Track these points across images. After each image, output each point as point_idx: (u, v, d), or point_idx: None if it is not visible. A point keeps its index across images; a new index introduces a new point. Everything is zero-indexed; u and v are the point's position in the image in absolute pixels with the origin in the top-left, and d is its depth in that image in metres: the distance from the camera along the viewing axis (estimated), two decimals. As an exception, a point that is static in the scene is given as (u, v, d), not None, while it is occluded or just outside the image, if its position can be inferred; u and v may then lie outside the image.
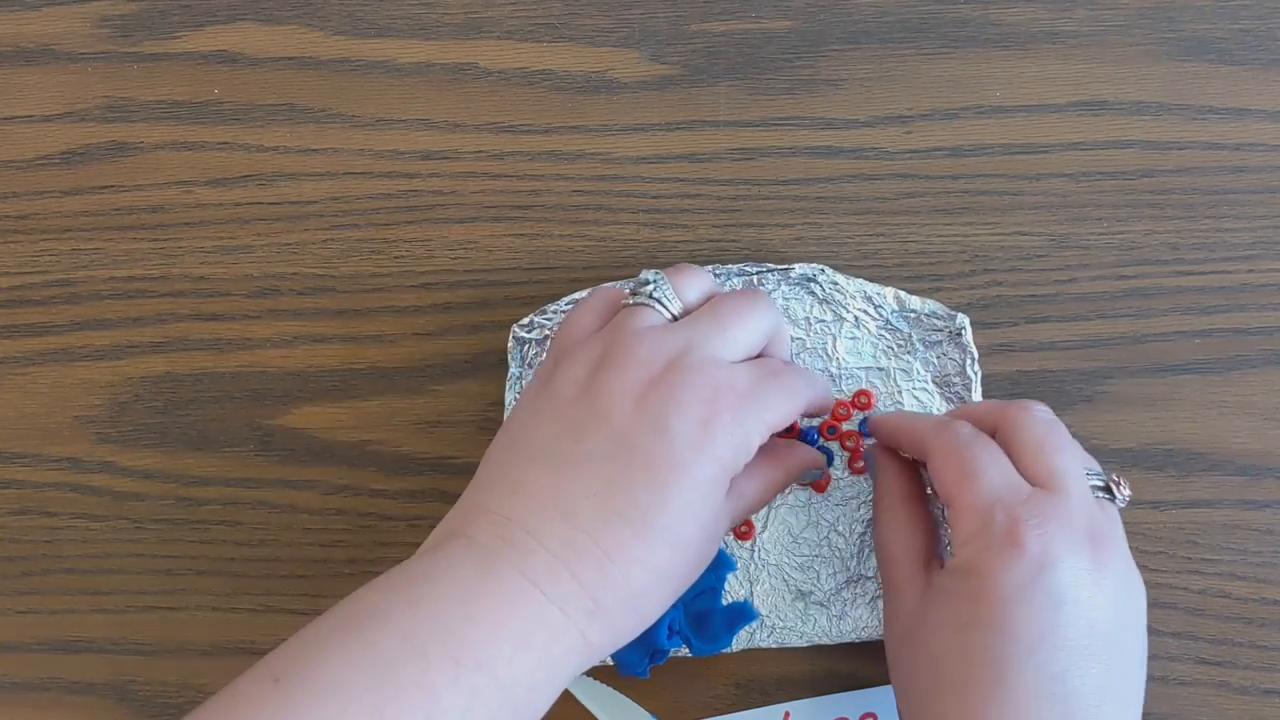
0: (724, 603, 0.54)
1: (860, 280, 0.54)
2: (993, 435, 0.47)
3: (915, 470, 0.51)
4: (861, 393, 0.54)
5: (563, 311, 0.54)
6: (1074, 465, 0.45)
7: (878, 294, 0.54)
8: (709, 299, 0.49)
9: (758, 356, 0.48)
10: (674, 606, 0.52)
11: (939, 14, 0.57)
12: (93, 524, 0.57)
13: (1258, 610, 0.55)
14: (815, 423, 0.54)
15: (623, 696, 0.55)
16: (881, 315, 0.54)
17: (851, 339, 0.54)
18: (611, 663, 0.53)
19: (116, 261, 0.57)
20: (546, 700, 0.42)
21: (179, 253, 0.57)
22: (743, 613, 0.54)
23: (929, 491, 0.51)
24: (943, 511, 0.51)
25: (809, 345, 0.54)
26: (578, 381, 0.45)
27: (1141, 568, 0.54)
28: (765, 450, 0.48)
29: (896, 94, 0.56)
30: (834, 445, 0.54)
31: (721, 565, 0.54)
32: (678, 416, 0.43)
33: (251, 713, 0.39)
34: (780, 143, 0.56)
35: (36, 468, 0.57)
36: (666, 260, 0.56)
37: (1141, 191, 0.56)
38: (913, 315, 0.54)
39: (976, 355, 0.54)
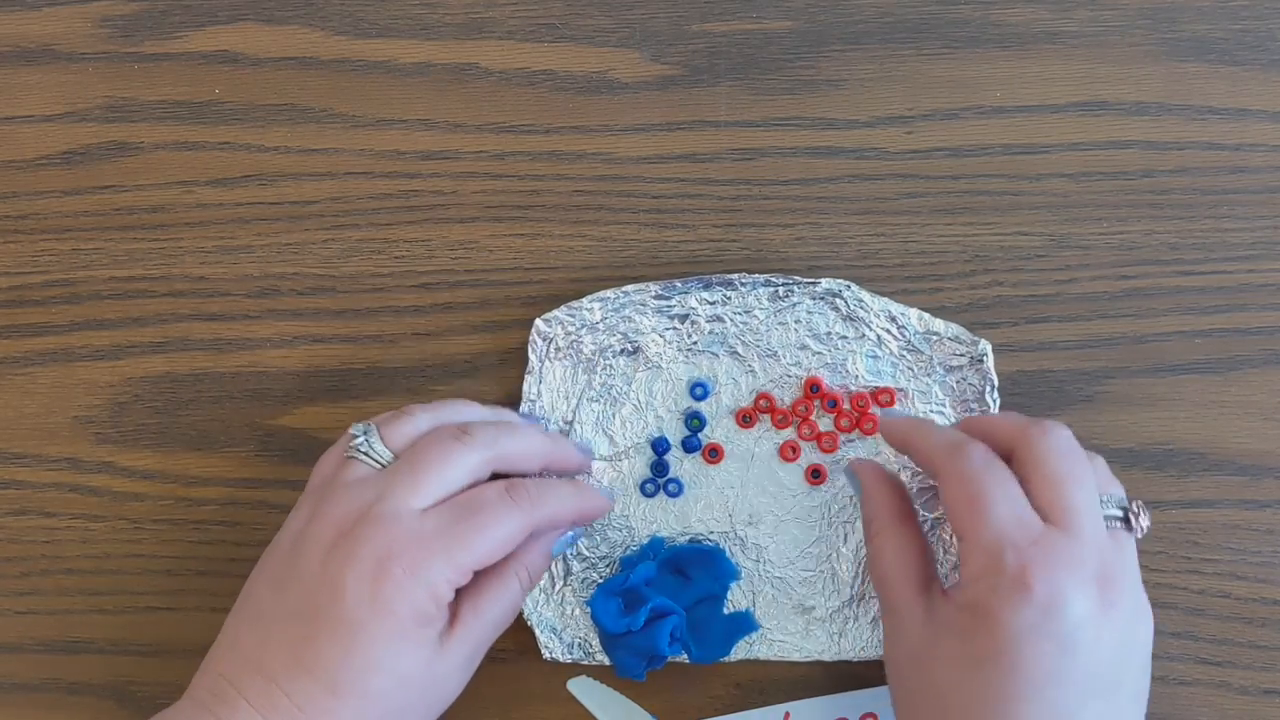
0: (726, 612, 0.54)
1: (885, 299, 0.54)
2: (1009, 453, 0.47)
3: (904, 489, 0.51)
4: (884, 390, 0.54)
5: (586, 309, 0.54)
6: (1089, 501, 0.45)
7: (901, 314, 0.54)
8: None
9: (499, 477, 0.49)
10: (675, 614, 0.52)
11: (940, 14, 0.57)
12: (92, 524, 0.57)
13: (1258, 610, 0.55)
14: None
15: (623, 697, 0.54)
16: (904, 336, 0.54)
17: (872, 357, 0.54)
18: (609, 662, 0.53)
19: (117, 261, 0.57)
20: None
21: (179, 253, 0.57)
22: (744, 623, 0.54)
23: (920, 511, 0.52)
24: (934, 528, 0.52)
25: (829, 360, 0.54)
26: (291, 537, 0.48)
27: (1142, 568, 0.55)
28: (502, 560, 0.49)
29: (897, 94, 0.57)
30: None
31: (725, 574, 0.54)
32: (351, 575, 0.46)
33: None
34: (781, 143, 0.57)
35: (36, 468, 0.57)
36: (667, 260, 0.56)
37: (1141, 192, 0.56)
38: (935, 337, 0.54)
39: (996, 382, 0.54)
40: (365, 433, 0.50)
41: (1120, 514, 0.46)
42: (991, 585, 0.44)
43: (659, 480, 0.55)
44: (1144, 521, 0.47)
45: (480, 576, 0.49)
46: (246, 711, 0.45)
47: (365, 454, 0.49)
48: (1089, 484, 0.46)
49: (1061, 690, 0.43)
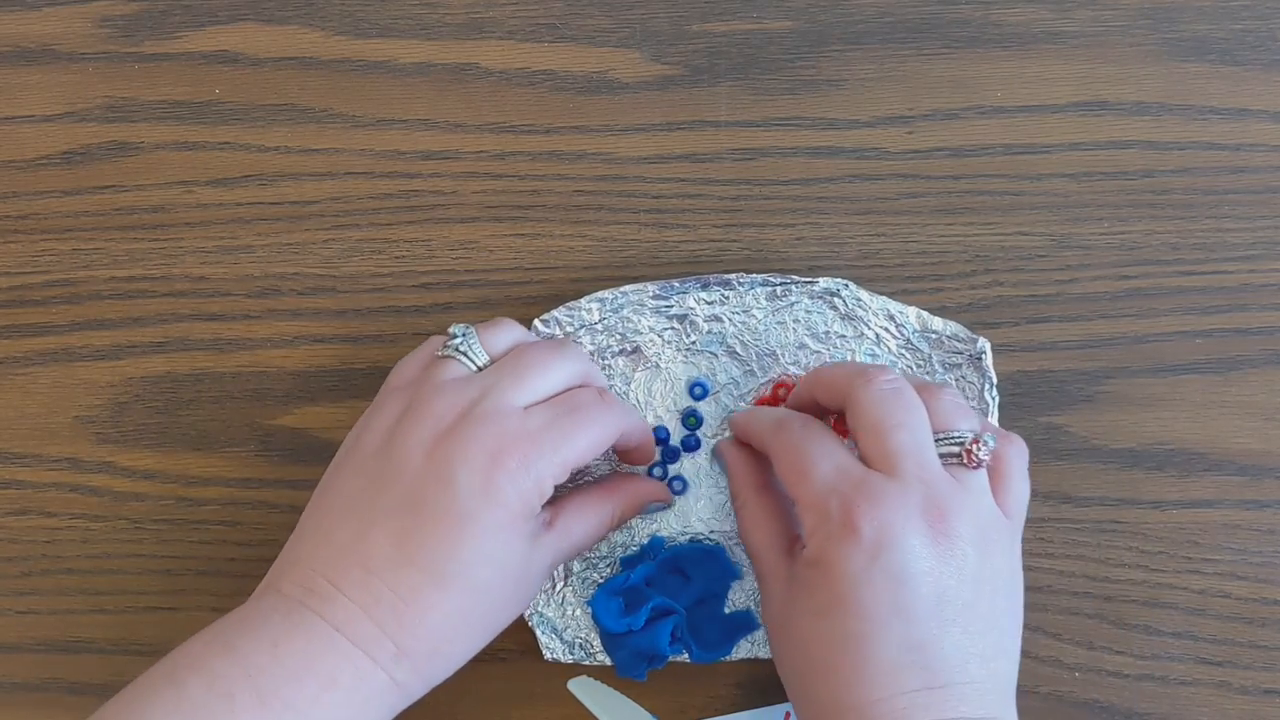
0: (726, 611, 0.54)
1: (884, 298, 0.54)
2: (842, 409, 0.48)
3: (763, 461, 0.52)
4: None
5: (584, 310, 0.54)
6: (909, 443, 0.46)
7: (900, 313, 0.54)
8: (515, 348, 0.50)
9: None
10: (676, 613, 0.52)
11: (940, 14, 0.57)
12: (92, 524, 0.57)
13: (1258, 610, 0.55)
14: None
15: (623, 696, 0.55)
16: (903, 334, 0.54)
17: (871, 356, 0.54)
18: (610, 663, 0.53)
19: (117, 261, 0.57)
20: None
21: (180, 253, 0.57)
22: (745, 622, 0.54)
23: None
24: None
25: (828, 360, 0.54)
26: (381, 434, 0.48)
27: (1141, 567, 0.55)
28: (598, 485, 0.51)
29: (898, 94, 0.56)
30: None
31: (726, 574, 0.54)
32: (463, 468, 0.46)
33: None
34: (781, 143, 0.57)
35: (36, 468, 0.57)
36: (667, 260, 0.56)
37: (1142, 192, 0.56)
38: (934, 336, 0.54)
39: (995, 380, 0.54)
40: (464, 334, 0.50)
41: (954, 450, 0.47)
42: (824, 535, 0.45)
43: (666, 466, 0.55)
44: (980, 455, 0.47)
45: (581, 496, 0.51)
46: (344, 604, 0.45)
47: (465, 354, 0.49)
48: (911, 425, 0.46)
49: (908, 622, 0.44)
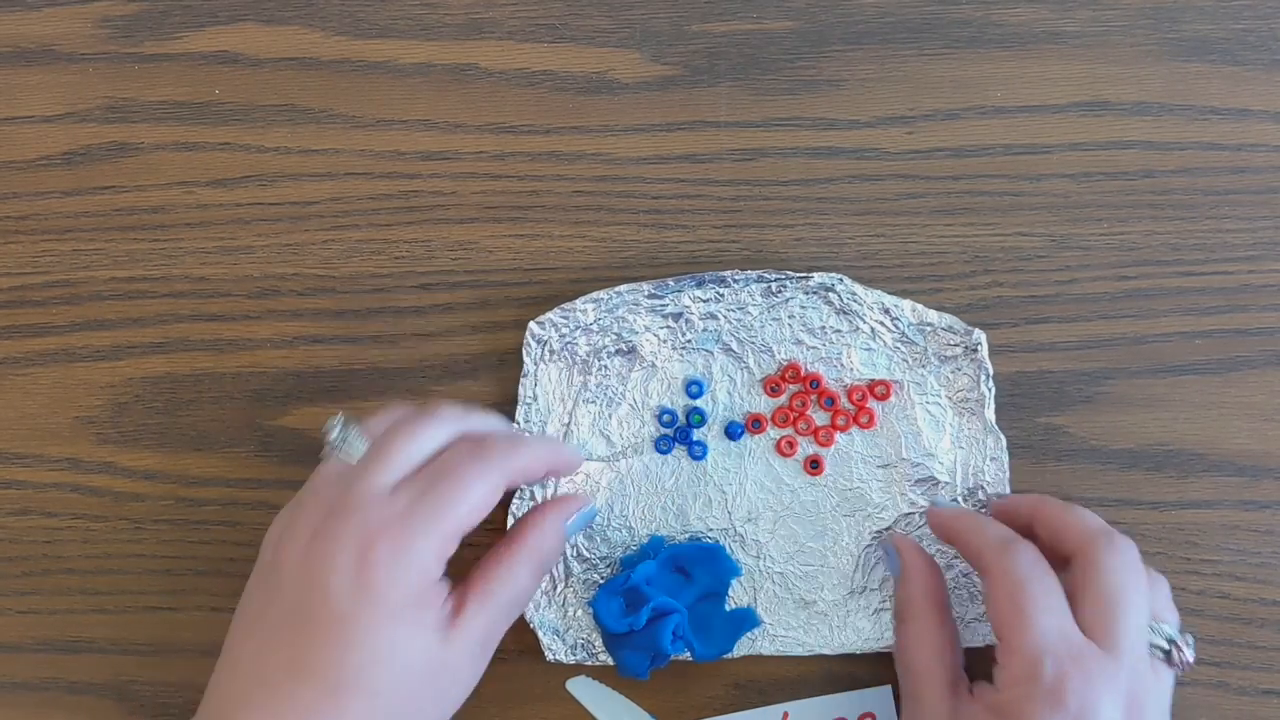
0: (727, 608, 0.54)
1: (878, 291, 0.54)
2: (1069, 555, 0.47)
3: (942, 575, 0.51)
4: (880, 383, 0.54)
5: (580, 311, 0.54)
6: (1136, 625, 0.46)
7: (895, 305, 0.54)
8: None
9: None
10: (677, 611, 0.52)
11: (941, 14, 0.57)
12: (93, 524, 0.57)
13: (1256, 611, 0.55)
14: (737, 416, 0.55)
15: (622, 696, 0.55)
16: (898, 327, 0.54)
17: (867, 350, 0.54)
18: (611, 662, 0.53)
19: (117, 262, 0.57)
20: None
21: (180, 253, 0.57)
22: (746, 619, 0.54)
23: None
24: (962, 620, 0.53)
25: (824, 354, 0.54)
26: (273, 544, 0.47)
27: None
28: (501, 546, 0.48)
29: (898, 94, 0.56)
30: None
31: (726, 571, 0.54)
32: (332, 572, 0.44)
33: None
34: (781, 143, 0.56)
35: (36, 468, 0.57)
36: (666, 261, 0.56)
37: (1142, 192, 0.56)
38: (929, 328, 0.54)
39: (991, 372, 0.54)
40: (340, 426, 0.48)
41: (1165, 647, 0.47)
42: (1026, 693, 0.44)
43: (684, 440, 0.54)
44: (1187, 657, 0.47)
45: (488, 561, 0.48)
46: None
47: (338, 448, 0.48)
48: (1141, 607, 0.46)
49: None
